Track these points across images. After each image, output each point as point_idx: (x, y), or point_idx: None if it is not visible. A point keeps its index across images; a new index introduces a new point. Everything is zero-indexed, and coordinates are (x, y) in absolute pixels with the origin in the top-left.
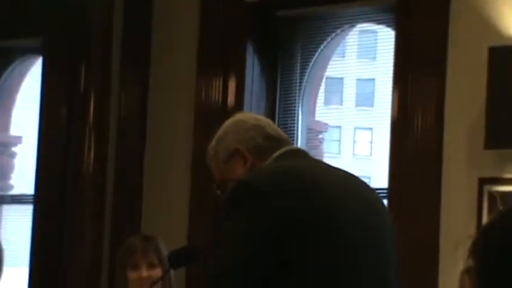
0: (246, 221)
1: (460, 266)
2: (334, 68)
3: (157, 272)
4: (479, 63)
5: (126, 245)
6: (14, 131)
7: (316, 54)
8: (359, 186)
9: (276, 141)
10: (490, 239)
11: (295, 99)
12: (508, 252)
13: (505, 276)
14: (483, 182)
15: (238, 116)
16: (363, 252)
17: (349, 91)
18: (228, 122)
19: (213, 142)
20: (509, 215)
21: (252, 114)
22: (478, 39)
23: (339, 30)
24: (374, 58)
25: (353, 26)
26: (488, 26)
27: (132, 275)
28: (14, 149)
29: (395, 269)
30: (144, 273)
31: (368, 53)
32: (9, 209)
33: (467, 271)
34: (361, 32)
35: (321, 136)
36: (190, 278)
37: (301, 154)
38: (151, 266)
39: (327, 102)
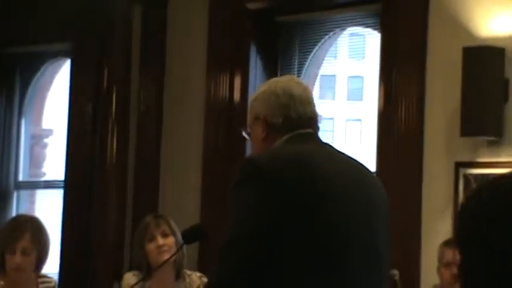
0: (248, 199)
1: (439, 238)
2: (327, 67)
3: (171, 240)
4: (455, 61)
5: (141, 223)
6: (45, 124)
7: (312, 54)
8: (361, 173)
9: (293, 124)
10: (468, 211)
11: None
12: (485, 222)
13: (484, 242)
14: (459, 165)
15: (278, 84)
16: (357, 237)
17: (341, 87)
18: (270, 85)
19: (254, 95)
20: (485, 189)
21: (293, 83)
22: (453, 40)
23: (331, 33)
24: (363, 58)
25: (344, 29)
26: (463, 28)
27: (149, 246)
28: (46, 140)
29: (386, 255)
30: (160, 241)
31: (357, 53)
32: (42, 193)
33: (446, 243)
34: (351, 34)
35: None
36: (202, 254)
37: (310, 139)
38: (165, 235)
39: (321, 96)
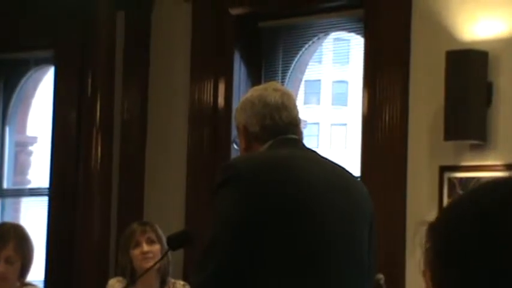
0: (226, 202)
1: (424, 244)
2: (311, 72)
3: (156, 248)
4: (438, 65)
5: (126, 230)
6: (30, 132)
7: (296, 59)
8: (343, 178)
9: (271, 131)
10: (449, 220)
11: None
12: (466, 232)
13: (463, 254)
14: (443, 169)
15: (255, 93)
16: (337, 242)
17: (326, 92)
18: (248, 94)
19: (238, 105)
20: (466, 197)
21: (270, 90)
22: (436, 44)
23: (315, 38)
24: (347, 62)
25: (327, 34)
26: (445, 32)
27: (134, 252)
28: (30, 147)
29: (370, 261)
30: (145, 247)
31: (342, 58)
32: (27, 201)
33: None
34: (335, 39)
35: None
36: (187, 258)
37: (292, 144)
38: (150, 242)
39: (306, 101)
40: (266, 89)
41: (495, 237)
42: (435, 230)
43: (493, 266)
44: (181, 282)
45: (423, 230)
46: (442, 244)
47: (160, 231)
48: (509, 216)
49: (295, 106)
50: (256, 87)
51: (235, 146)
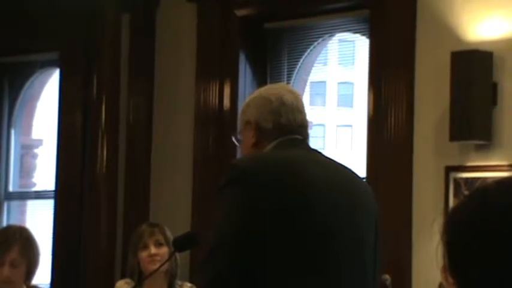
0: (232, 203)
1: (435, 239)
2: (317, 73)
3: (164, 250)
4: (443, 66)
5: (136, 231)
6: (35, 134)
7: (301, 61)
8: (348, 179)
9: (283, 130)
10: (459, 219)
11: None
12: (475, 230)
13: (473, 251)
14: (449, 169)
15: (270, 91)
16: (341, 242)
17: (331, 93)
18: (262, 91)
19: (247, 100)
20: (475, 196)
21: (285, 91)
22: (441, 45)
23: (320, 40)
24: (352, 64)
25: (332, 35)
26: (451, 33)
27: (142, 254)
28: (36, 150)
29: (373, 257)
30: (153, 250)
31: (347, 59)
32: (33, 204)
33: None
34: (341, 40)
35: None
36: (194, 260)
37: (298, 144)
38: (158, 244)
39: (311, 103)
40: (282, 89)
41: (495, 241)
42: (444, 230)
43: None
44: (189, 284)
45: (440, 221)
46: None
47: (169, 233)
48: (508, 220)
49: (305, 109)
50: (267, 86)
51: (234, 141)
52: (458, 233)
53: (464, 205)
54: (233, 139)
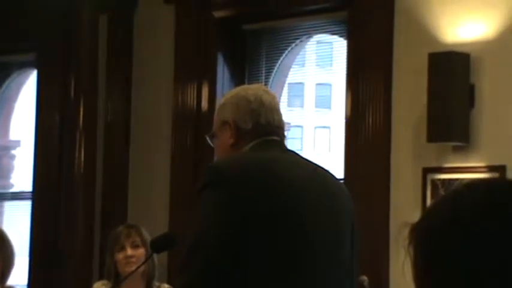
0: (210, 205)
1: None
2: (295, 74)
3: (140, 252)
4: (421, 67)
5: (113, 232)
6: (13, 135)
7: (279, 62)
8: (325, 180)
9: (261, 131)
10: (432, 221)
11: None
12: (448, 233)
13: (444, 254)
14: (426, 171)
15: (248, 91)
16: (320, 243)
17: (309, 94)
18: (240, 91)
19: (222, 100)
20: (450, 197)
21: (261, 91)
22: (419, 46)
23: (298, 41)
24: (330, 65)
25: (310, 37)
26: (428, 35)
27: (119, 256)
28: (13, 151)
29: (352, 262)
30: (129, 251)
31: (325, 60)
32: (10, 205)
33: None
34: (318, 42)
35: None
36: (172, 261)
37: (276, 145)
38: (135, 246)
39: (289, 104)
40: (259, 89)
41: (467, 240)
42: (416, 232)
43: (465, 267)
44: (166, 286)
45: (406, 231)
46: (421, 245)
47: (146, 235)
48: (480, 220)
49: (280, 110)
50: (243, 86)
51: (209, 141)
52: (431, 241)
53: (434, 209)
54: (207, 139)
